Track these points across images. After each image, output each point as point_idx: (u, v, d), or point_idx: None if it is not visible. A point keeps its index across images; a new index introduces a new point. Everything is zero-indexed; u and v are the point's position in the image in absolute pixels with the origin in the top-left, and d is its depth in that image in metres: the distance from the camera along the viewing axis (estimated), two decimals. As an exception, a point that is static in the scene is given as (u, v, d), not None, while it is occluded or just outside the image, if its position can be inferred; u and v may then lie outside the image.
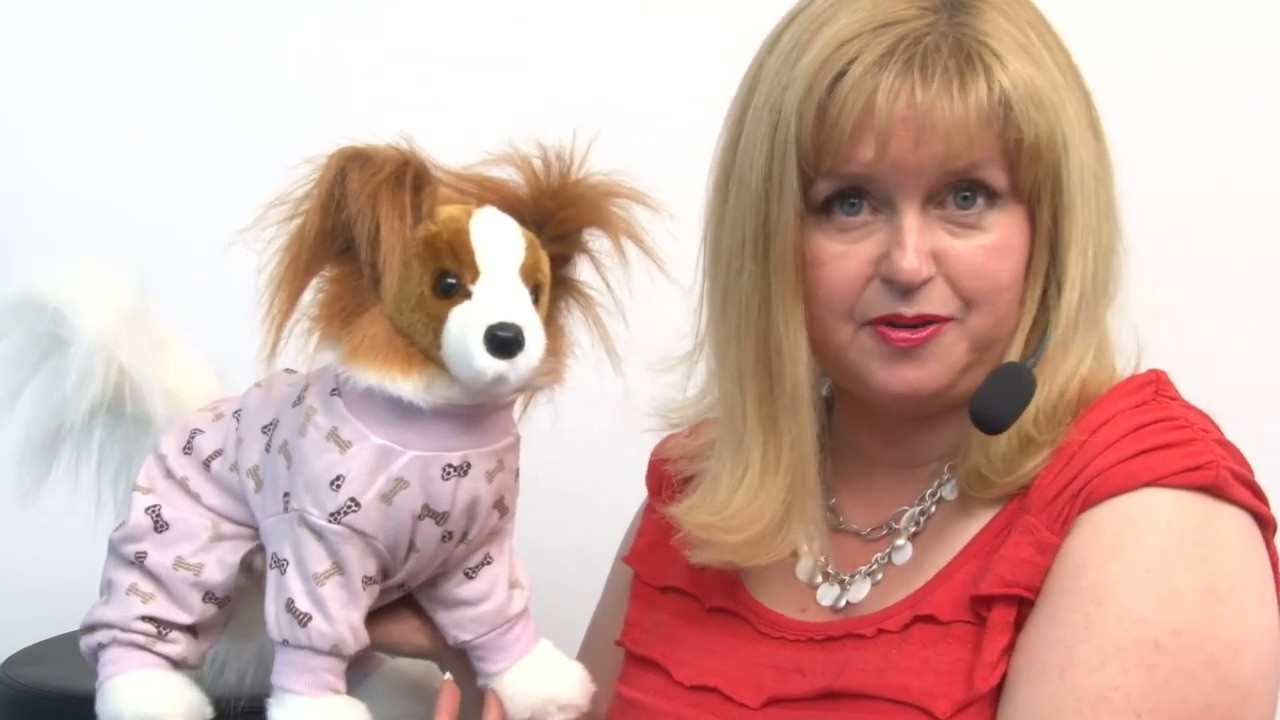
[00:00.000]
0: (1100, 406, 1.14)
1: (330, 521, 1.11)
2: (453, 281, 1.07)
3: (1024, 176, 1.14)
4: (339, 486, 1.10)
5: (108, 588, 1.19)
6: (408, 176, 1.07)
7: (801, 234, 1.15)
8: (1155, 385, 1.16)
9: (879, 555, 1.22)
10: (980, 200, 1.14)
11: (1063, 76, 1.16)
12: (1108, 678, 1.05)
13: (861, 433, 1.27)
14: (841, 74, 1.12)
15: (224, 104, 1.91)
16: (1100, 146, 1.19)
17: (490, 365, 1.06)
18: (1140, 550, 1.07)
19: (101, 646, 1.18)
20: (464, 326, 1.06)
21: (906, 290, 1.13)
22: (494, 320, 1.06)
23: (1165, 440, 1.10)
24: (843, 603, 1.22)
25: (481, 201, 1.12)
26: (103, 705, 1.17)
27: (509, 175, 1.14)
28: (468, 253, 1.08)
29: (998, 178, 1.13)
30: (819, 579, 1.24)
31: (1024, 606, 1.10)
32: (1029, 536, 1.11)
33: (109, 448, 1.26)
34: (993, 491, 1.16)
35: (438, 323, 1.07)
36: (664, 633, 1.27)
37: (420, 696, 1.28)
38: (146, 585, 1.18)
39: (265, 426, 1.17)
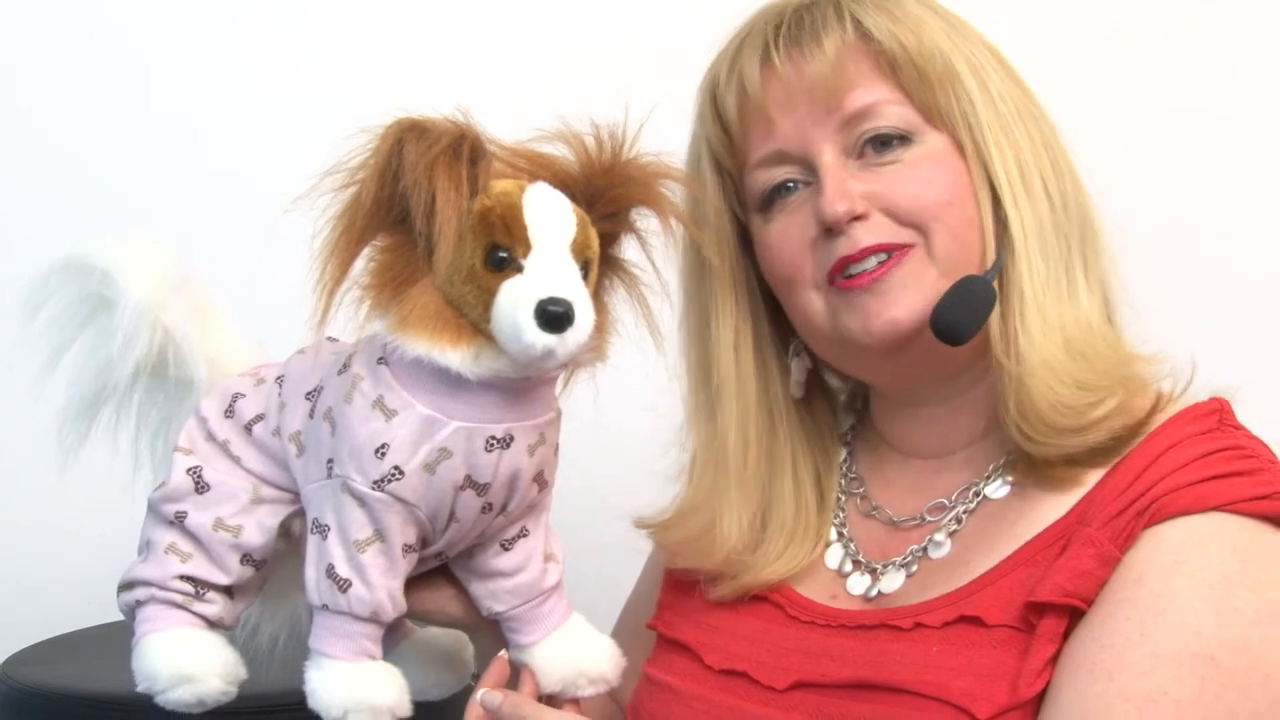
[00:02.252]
0: (1165, 431, 1.15)
1: (373, 489, 1.12)
2: (505, 255, 1.08)
3: (923, 100, 1.18)
4: (383, 454, 1.11)
5: (146, 546, 1.20)
6: (465, 149, 1.08)
7: (750, 227, 1.24)
8: (1220, 414, 1.17)
9: (914, 547, 1.23)
10: (896, 141, 1.19)
11: (942, 17, 1.21)
12: (1158, 683, 1.05)
13: (892, 425, 1.29)
14: (717, 76, 1.23)
15: (273, 72, 1.92)
16: (1009, 76, 1.22)
17: (540, 339, 1.07)
18: (1203, 568, 1.08)
19: (139, 604, 1.19)
20: (515, 300, 1.07)
21: (837, 230, 1.17)
22: (545, 295, 1.07)
23: (1234, 468, 1.12)
24: (874, 592, 1.23)
25: (533, 177, 1.13)
26: (138, 662, 1.18)
27: (560, 152, 1.15)
28: (520, 227, 1.09)
29: (899, 114, 1.18)
30: (848, 567, 1.26)
31: (1075, 617, 1.10)
32: (1091, 548, 1.11)
33: (147, 410, 1.27)
34: (1050, 438, 1.15)
35: (488, 295, 1.08)
36: (697, 618, 1.29)
37: (450, 666, 1.30)
38: (186, 545, 1.19)
39: (309, 393, 1.19)
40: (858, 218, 1.18)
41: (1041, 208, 1.19)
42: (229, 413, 1.22)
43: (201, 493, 1.19)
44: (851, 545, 1.27)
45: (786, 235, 1.22)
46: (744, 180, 1.25)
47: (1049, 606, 1.10)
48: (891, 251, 1.18)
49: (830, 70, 1.18)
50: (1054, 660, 1.10)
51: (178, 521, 1.19)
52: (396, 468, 1.11)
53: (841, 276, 1.19)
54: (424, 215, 1.07)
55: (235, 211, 1.70)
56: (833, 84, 1.18)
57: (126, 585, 1.20)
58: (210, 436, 1.22)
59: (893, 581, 1.22)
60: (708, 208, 1.26)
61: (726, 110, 1.23)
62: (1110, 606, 1.09)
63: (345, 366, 1.16)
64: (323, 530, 1.14)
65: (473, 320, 1.10)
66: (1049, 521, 1.16)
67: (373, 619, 1.14)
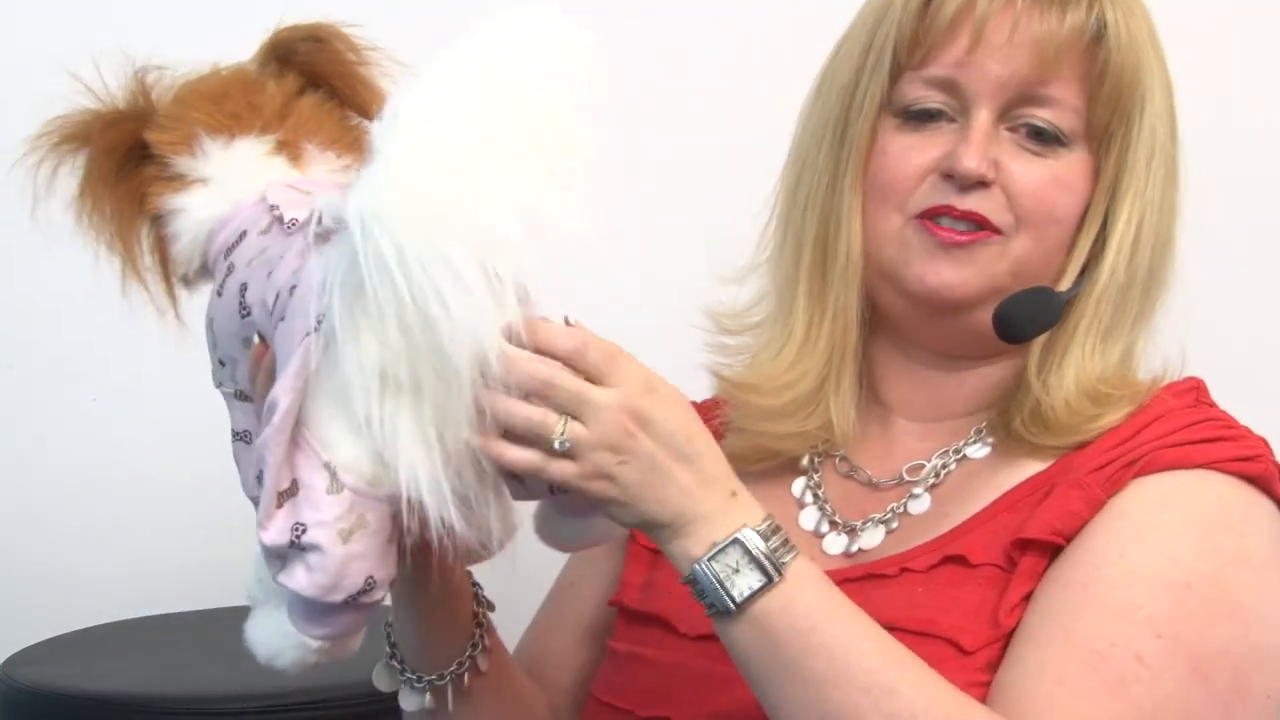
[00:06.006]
0: (1152, 405, 1.21)
1: None
2: None
3: (1099, 116, 1.21)
4: None
5: None
6: None
7: (878, 126, 1.23)
8: (1196, 392, 1.24)
9: (894, 505, 1.25)
10: (1052, 136, 1.21)
11: (1154, 54, 1.25)
12: (1133, 596, 1.10)
13: (889, 380, 1.29)
14: None
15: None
16: (1173, 138, 1.26)
17: None
18: (1190, 509, 1.14)
19: None
20: None
21: (963, 186, 1.20)
22: None
23: (1219, 434, 1.18)
24: (854, 549, 1.25)
25: None
26: None
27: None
28: None
29: (1071, 120, 1.21)
30: (825, 528, 1.27)
31: (1055, 557, 1.14)
32: (1080, 491, 1.16)
33: None
34: (1049, 439, 1.20)
35: None
36: (665, 588, 1.26)
37: None
38: None
39: None
40: (983, 183, 1.20)
41: (1140, 268, 1.23)
42: None
43: None
44: (827, 506, 1.28)
45: (908, 154, 1.22)
46: (900, 79, 1.23)
47: (1032, 544, 1.15)
48: (985, 227, 1.20)
49: (1052, 47, 1.19)
50: (1030, 596, 1.14)
51: None
52: None
53: (932, 220, 1.21)
54: None
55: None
56: (1045, 59, 1.19)
57: None
58: None
59: (873, 538, 1.24)
60: (873, 87, 1.23)
61: (942, 12, 1.21)
62: (1090, 536, 1.14)
63: None
64: None
65: None
66: (1031, 473, 1.21)
67: None
